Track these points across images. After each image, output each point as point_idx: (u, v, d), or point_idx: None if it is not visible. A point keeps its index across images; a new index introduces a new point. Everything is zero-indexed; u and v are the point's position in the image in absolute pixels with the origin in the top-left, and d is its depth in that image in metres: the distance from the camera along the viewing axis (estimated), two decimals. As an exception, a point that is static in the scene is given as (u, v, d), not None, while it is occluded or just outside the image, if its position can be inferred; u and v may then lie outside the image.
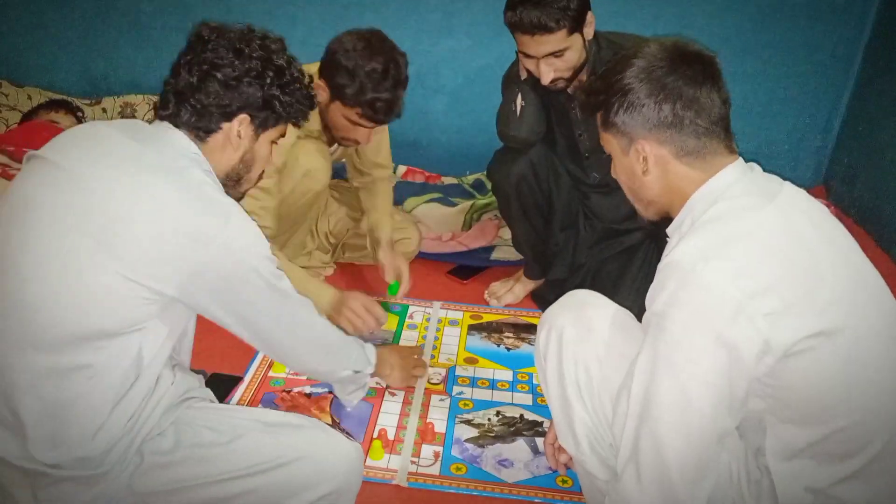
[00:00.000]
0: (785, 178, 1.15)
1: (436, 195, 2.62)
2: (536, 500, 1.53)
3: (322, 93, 1.86)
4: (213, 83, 1.16)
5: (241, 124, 1.20)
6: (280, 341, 1.30)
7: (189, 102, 1.17)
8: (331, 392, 1.78)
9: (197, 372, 1.35)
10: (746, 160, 1.15)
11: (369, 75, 1.78)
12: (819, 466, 1.06)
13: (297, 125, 1.30)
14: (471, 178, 2.80)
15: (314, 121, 1.98)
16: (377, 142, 2.17)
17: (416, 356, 1.88)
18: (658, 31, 2.88)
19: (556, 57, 1.81)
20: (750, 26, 2.88)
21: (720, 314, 0.98)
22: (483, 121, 2.62)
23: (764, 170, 1.15)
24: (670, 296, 1.02)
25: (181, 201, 1.09)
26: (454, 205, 2.57)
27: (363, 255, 2.39)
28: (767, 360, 1.00)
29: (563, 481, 1.56)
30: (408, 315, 2.17)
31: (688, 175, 1.12)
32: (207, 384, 1.35)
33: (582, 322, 1.28)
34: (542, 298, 2.24)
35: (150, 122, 1.22)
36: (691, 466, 1.05)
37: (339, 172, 2.46)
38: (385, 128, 2.19)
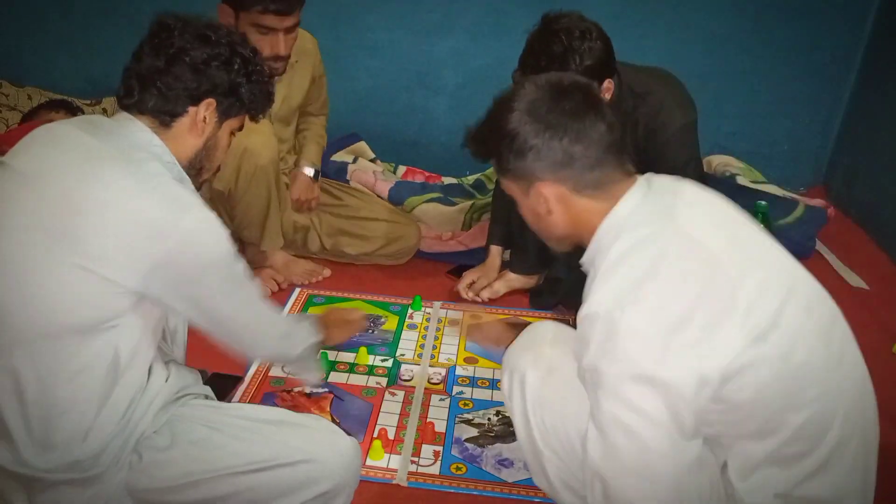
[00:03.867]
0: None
1: (436, 195, 2.61)
2: (536, 500, 1.54)
3: (228, 18, 1.95)
4: (182, 66, 1.16)
5: (207, 108, 1.19)
6: (241, 328, 1.26)
7: (155, 86, 1.16)
8: (331, 392, 1.78)
9: (198, 371, 1.35)
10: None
11: None
12: (782, 471, 1.07)
13: (254, 119, 1.30)
14: (471, 178, 2.79)
15: None
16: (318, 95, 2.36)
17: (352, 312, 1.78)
18: (658, 32, 2.88)
19: None
20: (750, 26, 2.88)
21: (647, 358, 1.00)
22: (483, 121, 2.61)
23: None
24: (596, 349, 1.03)
25: (137, 194, 1.07)
26: (454, 204, 2.56)
27: (361, 254, 2.40)
28: (706, 392, 1.00)
29: (563, 481, 1.57)
30: (408, 315, 2.17)
31: (591, 207, 1.13)
32: (208, 384, 1.35)
33: (542, 363, 1.27)
34: (539, 297, 2.24)
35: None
36: (671, 500, 1.05)
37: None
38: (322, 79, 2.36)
